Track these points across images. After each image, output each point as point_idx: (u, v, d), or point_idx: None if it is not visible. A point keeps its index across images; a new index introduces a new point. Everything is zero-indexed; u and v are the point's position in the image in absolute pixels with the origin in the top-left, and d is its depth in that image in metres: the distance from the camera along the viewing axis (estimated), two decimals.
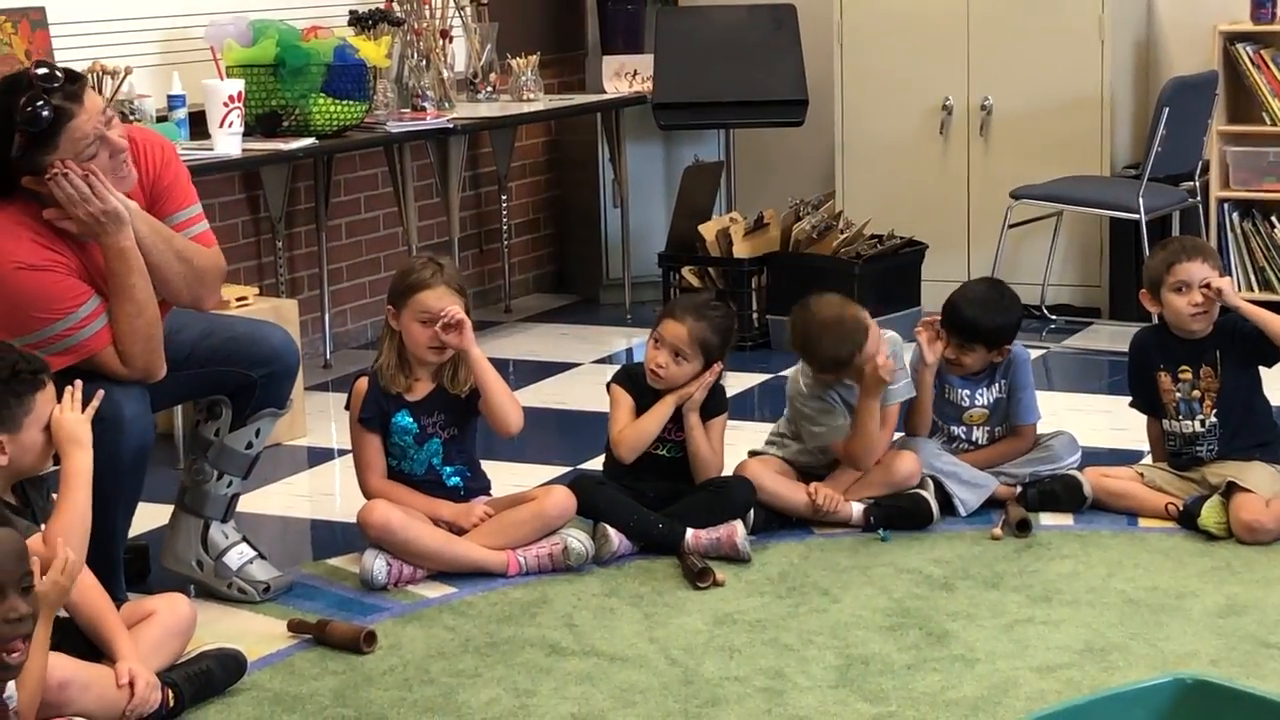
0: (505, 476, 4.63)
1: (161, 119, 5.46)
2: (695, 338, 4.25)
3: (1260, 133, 6.66)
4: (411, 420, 4.16)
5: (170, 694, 3.34)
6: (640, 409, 4.31)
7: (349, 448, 4.30)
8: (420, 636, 3.75)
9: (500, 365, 6.21)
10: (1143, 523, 4.34)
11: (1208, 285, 4.29)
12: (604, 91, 7.29)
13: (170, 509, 4.09)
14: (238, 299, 5.23)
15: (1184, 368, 4.38)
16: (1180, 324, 4.35)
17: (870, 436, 4.31)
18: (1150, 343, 4.49)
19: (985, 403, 4.56)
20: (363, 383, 4.19)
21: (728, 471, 4.38)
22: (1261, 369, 4.40)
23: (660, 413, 4.27)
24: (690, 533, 4.15)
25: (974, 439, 4.58)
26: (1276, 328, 4.25)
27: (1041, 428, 4.65)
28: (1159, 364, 4.42)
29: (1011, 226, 6.43)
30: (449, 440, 4.20)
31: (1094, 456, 4.70)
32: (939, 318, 4.53)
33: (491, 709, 3.37)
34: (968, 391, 4.56)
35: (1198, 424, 4.38)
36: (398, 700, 3.43)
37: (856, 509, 4.35)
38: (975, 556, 4.14)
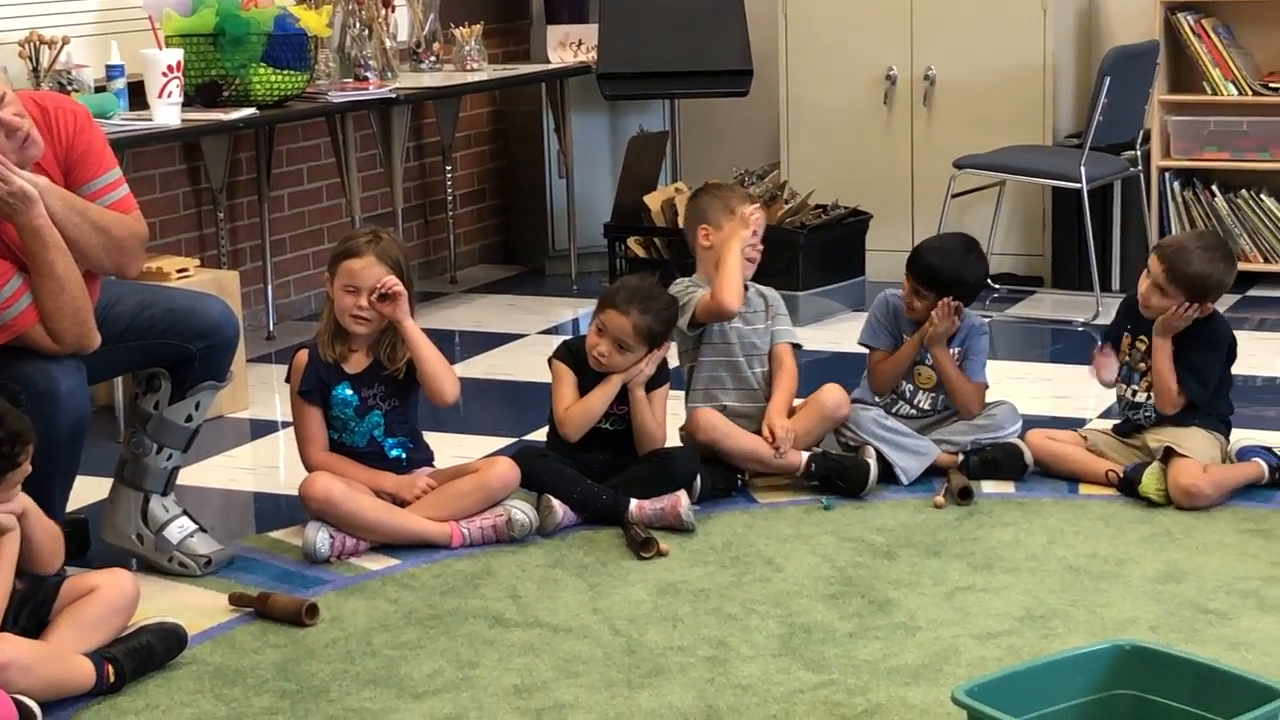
0: (449, 448, 4.62)
1: (100, 89, 5.42)
2: (639, 330, 4.24)
3: (1201, 102, 6.69)
4: (351, 392, 4.15)
5: (111, 669, 3.32)
6: (583, 383, 4.31)
7: (291, 420, 4.28)
8: (362, 609, 3.74)
9: (445, 336, 6.26)
10: (1083, 490, 4.37)
11: (1162, 292, 4.32)
12: (549, 61, 7.26)
13: (110, 482, 4.06)
14: (178, 270, 5.19)
15: (1143, 338, 4.41)
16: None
17: (732, 272, 4.41)
18: (1133, 302, 4.50)
19: (934, 365, 4.57)
20: (302, 355, 4.17)
21: (675, 436, 4.38)
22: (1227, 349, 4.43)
23: (606, 391, 4.27)
24: (634, 503, 4.16)
25: (917, 403, 4.59)
26: (1162, 381, 4.31)
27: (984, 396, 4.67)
28: (1128, 325, 4.45)
29: (955, 196, 6.45)
30: (390, 412, 4.18)
31: (1036, 425, 4.71)
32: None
33: (434, 681, 3.37)
34: (920, 350, 4.58)
35: (1130, 393, 4.43)
36: (340, 673, 3.42)
37: (803, 456, 4.39)
38: (917, 524, 4.15)
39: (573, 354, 4.35)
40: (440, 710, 3.24)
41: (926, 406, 4.60)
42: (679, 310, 4.44)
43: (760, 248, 4.56)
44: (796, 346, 4.58)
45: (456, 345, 6.21)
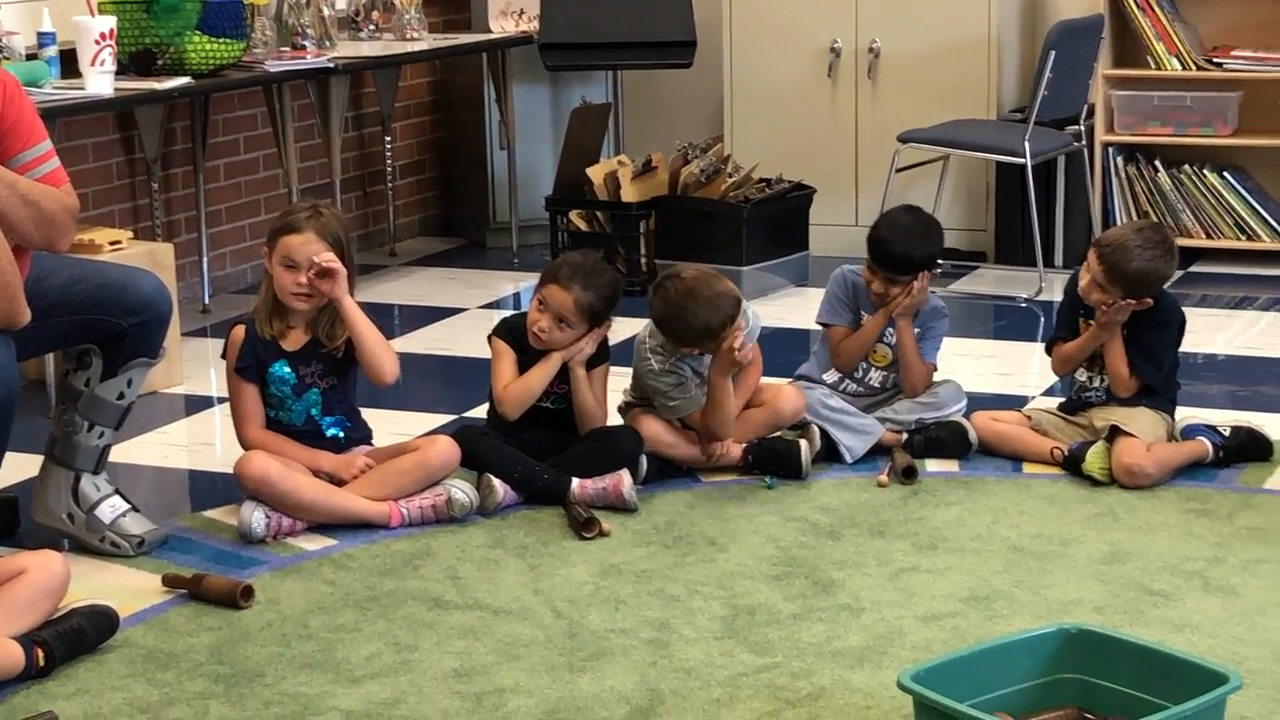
0: (388, 425, 4.56)
1: (31, 56, 5.30)
2: (581, 307, 4.18)
3: (1145, 76, 6.67)
4: (289, 370, 4.07)
5: (40, 653, 3.24)
6: (523, 361, 4.25)
7: (227, 396, 4.20)
8: (299, 590, 3.68)
9: (384, 310, 6.18)
10: (1027, 469, 4.35)
11: (1101, 289, 4.29)
12: (490, 31, 7.17)
13: (41, 460, 3.97)
14: (111, 243, 5.09)
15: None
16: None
17: (725, 409, 4.24)
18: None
19: (892, 342, 4.53)
20: (239, 331, 4.09)
21: (616, 421, 4.33)
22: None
23: (546, 369, 4.20)
24: (576, 482, 4.10)
25: (868, 380, 4.55)
26: (1115, 367, 4.30)
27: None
28: (1081, 309, 4.42)
29: (899, 170, 6.41)
30: (328, 390, 4.11)
31: (980, 401, 4.69)
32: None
33: (372, 664, 3.31)
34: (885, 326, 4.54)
35: (1086, 379, 4.42)
36: (275, 656, 3.35)
37: (738, 450, 4.34)
38: (861, 504, 4.12)
39: (512, 331, 4.29)
40: (378, 694, 3.18)
41: (876, 384, 4.56)
42: (668, 397, 4.28)
43: (748, 349, 4.25)
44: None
45: (395, 319, 6.14)
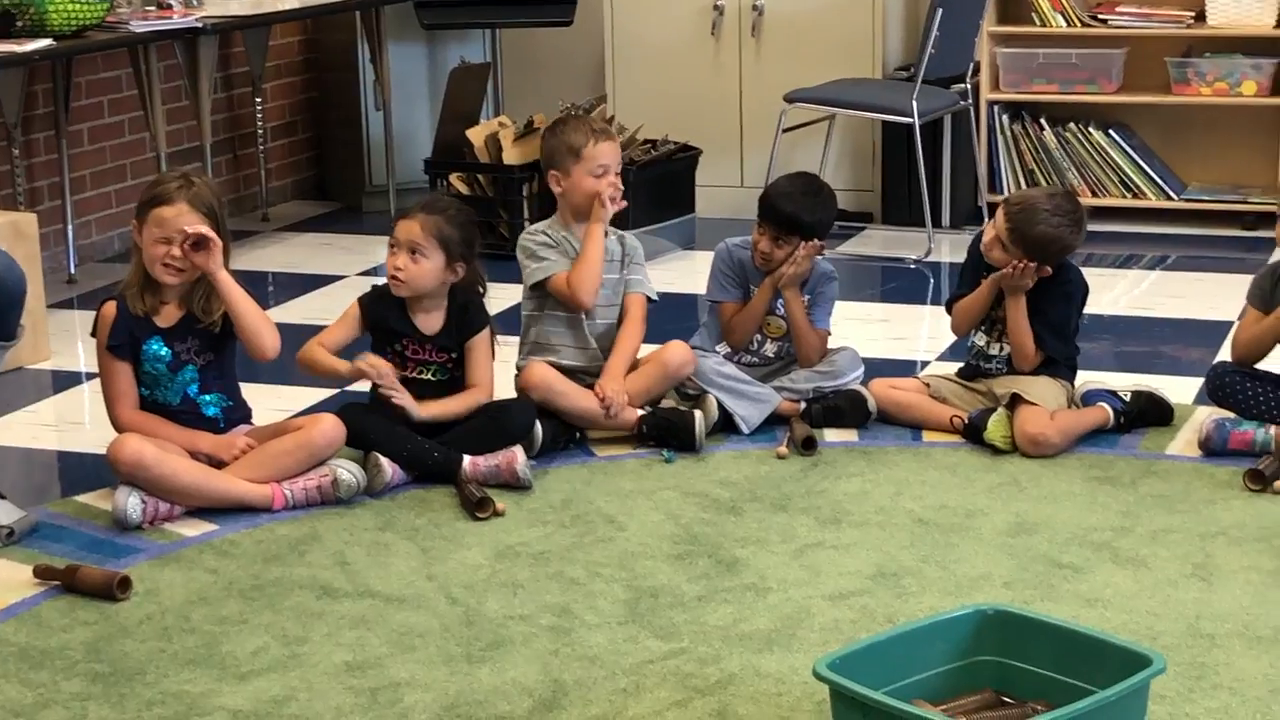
0: (267, 402, 4.38)
1: None
2: (429, 231, 4.05)
3: (1030, 34, 6.62)
4: (164, 347, 3.89)
5: None
6: (384, 328, 4.12)
7: (98, 374, 4.00)
8: (179, 580, 3.51)
9: (258, 278, 5.99)
10: (927, 437, 4.27)
11: (1002, 247, 4.20)
12: None
13: None
14: None
15: None
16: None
17: (593, 264, 4.23)
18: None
19: (783, 313, 4.43)
20: (110, 307, 3.90)
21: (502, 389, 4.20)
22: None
23: (335, 367, 4.11)
24: (467, 460, 3.96)
25: (762, 351, 4.45)
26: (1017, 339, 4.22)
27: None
28: (986, 272, 4.33)
29: (786, 131, 6.30)
30: (205, 367, 3.94)
31: (875, 367, 4.60)
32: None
33: (259, 659, 3.15)
34: (774, 298, 4.44)
35: (985, 343, 4.33)
36: (156, 652, 3.18)
37: (637, 414, 4.23)
38: (762, 477, 4.02)
39: (375, 300, 4.16)
40: (267, 692, 3.03)
41: (771, 354, 4.46)
42: (528, 261, 4.27)
43: (620, 186, 4.31)
44: (651, 301, 4.40)
45: (270, 288, 5.95)
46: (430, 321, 4.12)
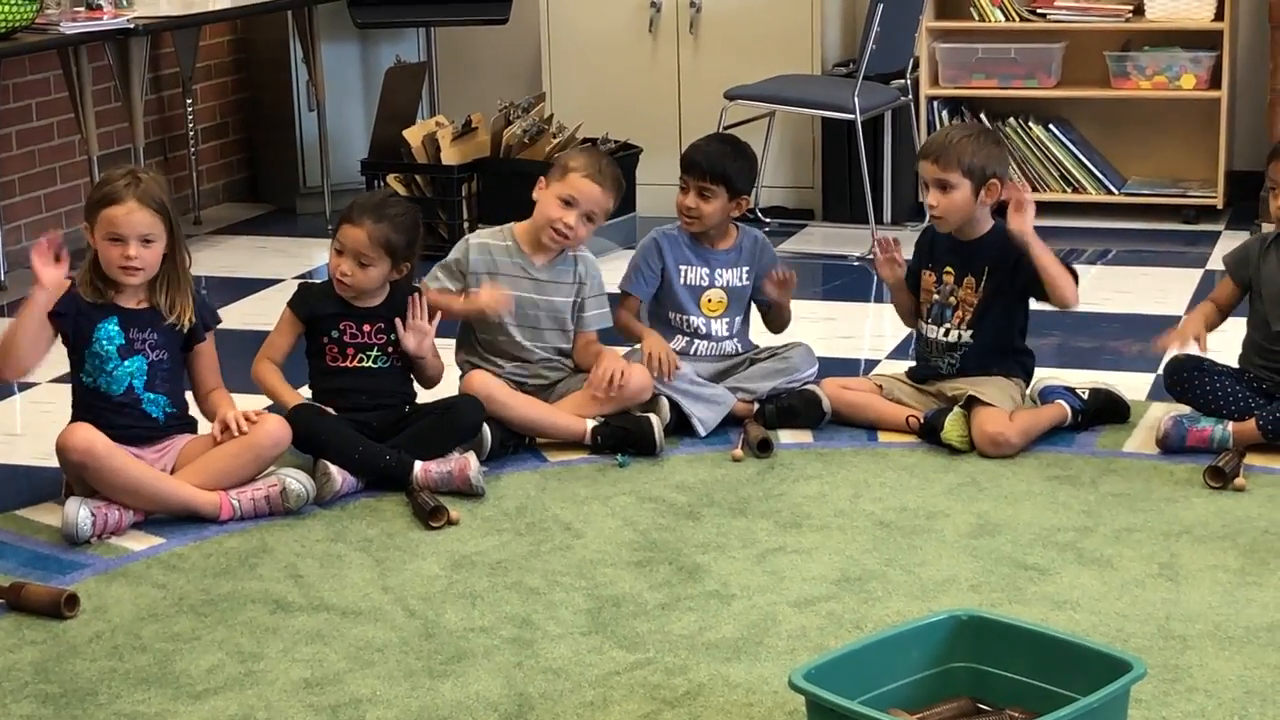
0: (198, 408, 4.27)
1: None
2: (377, 240, 3.99)
3: (969, 29, 6.60)
4: (118, 329, 3.79)
5: None
6: (317, 317, 4.05)
7: (33, 381, 3.89)
8: (128, 596, 3.41)
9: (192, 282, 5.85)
10: (883, 437, 4.22)
11: (943, 187, 4.15)
12: None
13: None
14: None
15: (948, 269, 4.24)
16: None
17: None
18: (927, 237, 4.36)
19: (724, 284, 4.38)
20: (65, 283, 3.79)
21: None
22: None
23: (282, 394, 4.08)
24: (419, 466, 3.89)
25: (713, 333, 4.39)
26: (1053, 276, 4.13)
27: (777, 339, 4.50)
28: (926, 262, 4.29)
29: (726, 128, 6.24)
30: (155, 363, 3.84)
31: (821, 366, 4.52)
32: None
33: (214, 677, 3.07)
34: (706, 270, 4.38)
35: (942, 332, 4.26)
36: (107, 672, 3.09)
37: (588, 425, 4.16)
38: (718, 480, 3.96)
39: (306, 300, 4.10)
40: (224, 711, 2.95)
41: (724, 334, 4.40)
42: (436, 270, 4.23)
43: (569, 227, 4.20)
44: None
45: (204, 291, 5.81)
46: (370, 298, 4.07)
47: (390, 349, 4.07)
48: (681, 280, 4.39)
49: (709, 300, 4.40)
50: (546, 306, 4.26)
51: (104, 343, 3.79)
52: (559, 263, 4.28)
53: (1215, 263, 5.59)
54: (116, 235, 3.74)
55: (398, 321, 4.05)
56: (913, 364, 4.40)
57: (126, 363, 3.82)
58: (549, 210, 4.22)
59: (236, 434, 3.81)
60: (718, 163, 4.34)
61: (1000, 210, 4.23)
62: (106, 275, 3.79)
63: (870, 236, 6.15)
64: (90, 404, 3.81)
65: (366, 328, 4.05)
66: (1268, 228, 4.27)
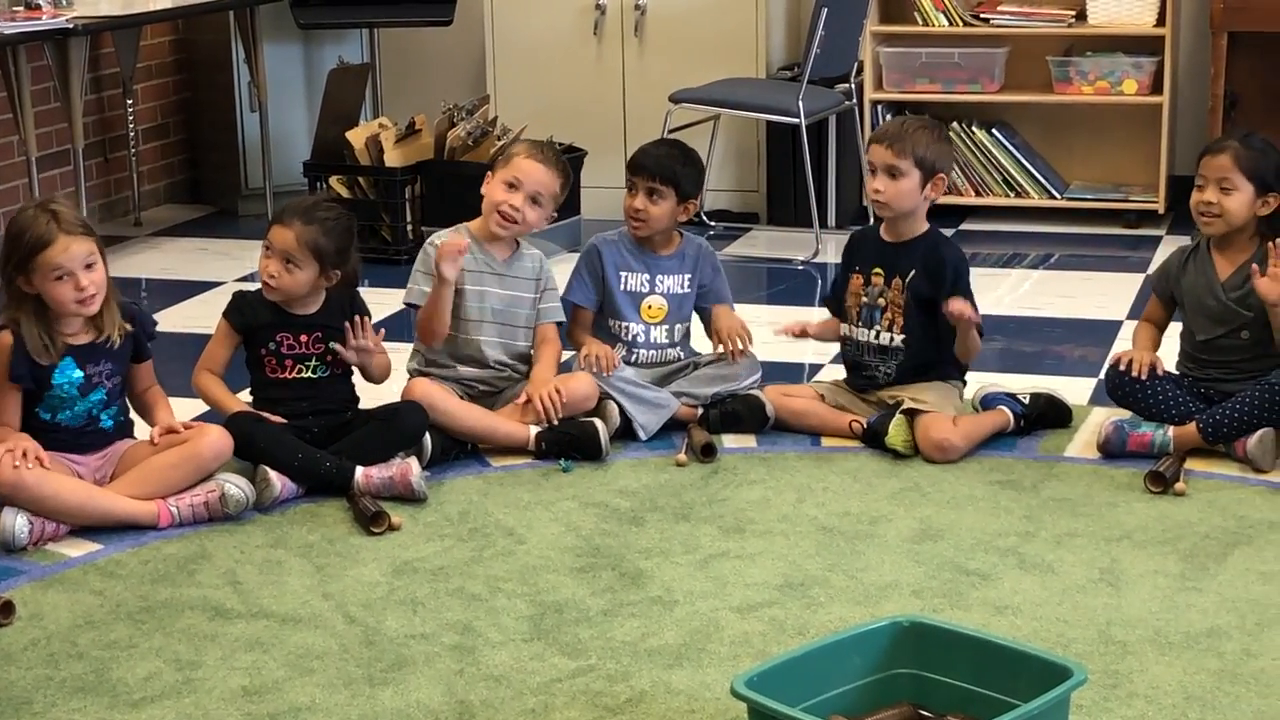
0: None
1: None
2: (304, 243, 3.95)
3: (913, 33, 6.62)
4: (77, 369, 3.76)
5: None
6: (261, 329, 4.01)
7: None
8: (64, 603, 3.37)
9: (131, 285, 5.82)
10: (825, 442, 4.22)
11: (892, 173, 4.15)
12: None
13: None
14: None
15: (877, 270, 4.24)
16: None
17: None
18: (855, 240, 4.36)
19: (665, 291, 4.37)
20: (4, 337, 3.74)
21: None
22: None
23: (223, 401, 4.04)
24: (360, 472, 3.86)
25: (653, 340, 4.38)
26: (969, 339, 4.16)
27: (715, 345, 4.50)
28: (855, 264, 4.29)
29: (671, 131, 6.24)
30: (113, 389, 3.84)
31: (765, 370, 4.52)
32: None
33: (152, 685, 3.04)
34: (646, 276, 4.37)
35: (872, 335, 4.26)
36: (43, 680, 3.05)
37: (532, 431, 4.13)
38: (662, 485, 3.95)
39: (240, 309, 4.06)
40: (160, 719, 2.92)
41: (665, 341, 4.39)
42: (416, 271, 4.19)
43: (515, 210, 4.20)
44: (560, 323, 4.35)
45: (144, 294, 5.79)
46: (306, 305, 4.04)
47: (329, 357, 4.03)
48: (621, 286, 4.38)
49: (649, 307, 4.39)
50: (514, 302, 4.24)
51: (66, 386, 3.76)
52: (517, 259, 4.26)
53: (1156, 267, 5.62)
54: (62, 273, 3.69)
55: (336, 345, 4.00)
56: (848, 375, 4.38)
57: (87, 398, 3.80)
58: (495, 194, 4.21)
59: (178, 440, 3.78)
60: (667, 164, 4.33)
61: (936, 214, 4.25)
62: (51, 325, 3.74)
63: (814, 240, 6.15)
64: (45, 431, 3.77)
65: (304, 338, 4.01)
66: (1196, 237, 4.29)
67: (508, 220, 4.20)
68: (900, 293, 4.19)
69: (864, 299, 4.27)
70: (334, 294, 4.06)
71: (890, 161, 4.14)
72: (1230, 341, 4.06)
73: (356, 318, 4.01)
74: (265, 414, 3.96)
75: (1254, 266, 3.97)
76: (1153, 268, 5.76)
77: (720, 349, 4.35)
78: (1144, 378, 4.06)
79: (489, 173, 4.29)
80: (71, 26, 5.72)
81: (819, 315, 5.43)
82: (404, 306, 4.31)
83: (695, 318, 4.50)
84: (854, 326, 4.29)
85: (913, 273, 4.18)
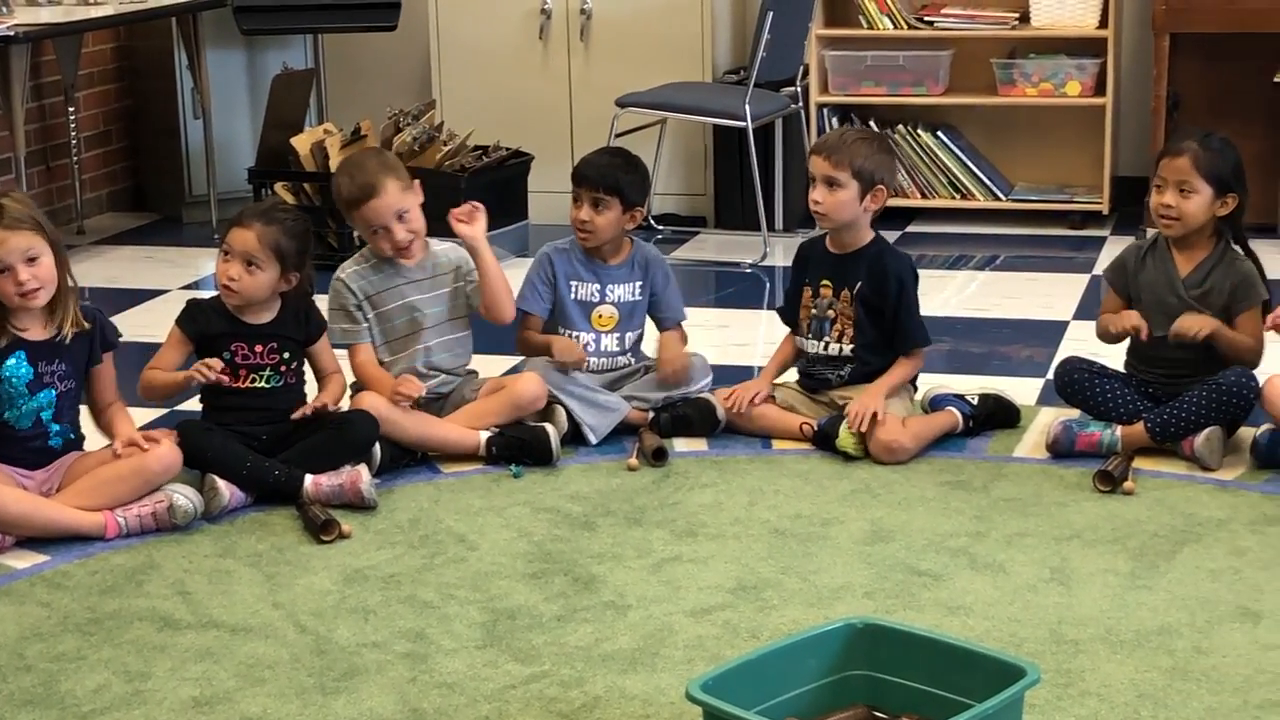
0: (88, 424, 4.19)
1: None
2: (266, 243, 3.93)
3: (858, 36, 6.63)
4: (26, 364, 3.72)
5: None
6: (207, 337, 3.98)
7: None
8: (10, 615, 3.34)
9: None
10: (777, 445, 4.22)
11: (830, 184, 4.15)
12: None
13: None
14: None
15: (825, 282, 4.25)
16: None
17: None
18: (804, 251, 4.36)
19: (615, 300, 4.36)
20: None
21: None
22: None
23: (176, 382, 4.00)
24: (309, 480, 3.83)
25: (604, 348, 4.37)
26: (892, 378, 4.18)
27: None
28: (805, 277, 4.29)
29: (618, 136, 6.24)
30: (64, 394, 3.79)
31: (719, 375, 4.53)
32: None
33: (101, 697, 3.01)
34: (597, 286, 4.36)
35: (822, 346, 4.26)
36: None
37: (481, 437, 4.12)
38: (614, 490, 3.94)
39: (193, 317, 4.02)
40: None
41: (616, 349, 4.38)
42: (338, 315, 4.17)
43: (395, 242, 4.15)
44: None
45: (86, 303, 5.69)
46: (261, 314, 4.01)
47: (283, 367, 4.00)
48: (572, 295, 4.37)
49: (599, 316, 4.38)
50: (438, 299, 4.21)
51: (12, 380, 3.72)
52: (431, 259, 4.24)
53: (1101, 268, 5.65)
54: (6, 266, 3.66)
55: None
56: (800, 376, 4.39)
57: (35, 398, 3.75)
58: (368, 240, 4.22)
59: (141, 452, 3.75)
60: (609, 174, 4.32)
61: (882, 217, 4.26)
62: (2, 313, 3.71)
63: (762, 244, 6.16)
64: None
65: (259, 348, 3.98)
66: (1152, 232, 4.31)
67: (400, 251, 4.16)
68: (849, 304, 4.20)
69: (814, 310, 4.27)
70: (289, 302, 4.03)
71: (828, 173, 4.15)
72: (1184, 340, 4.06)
73: (308, 407, 3.97)
74: (211, 425, 3.92)
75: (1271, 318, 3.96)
76: (1098, 268, 5.79)
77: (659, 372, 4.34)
78: (1144, 337, 4.05)
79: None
80: (12, 34, 5.68)
81: (768, 318, 5.47)
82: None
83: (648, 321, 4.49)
84: (805, 338, 4.30)
85: (859, 284, 4.19)
